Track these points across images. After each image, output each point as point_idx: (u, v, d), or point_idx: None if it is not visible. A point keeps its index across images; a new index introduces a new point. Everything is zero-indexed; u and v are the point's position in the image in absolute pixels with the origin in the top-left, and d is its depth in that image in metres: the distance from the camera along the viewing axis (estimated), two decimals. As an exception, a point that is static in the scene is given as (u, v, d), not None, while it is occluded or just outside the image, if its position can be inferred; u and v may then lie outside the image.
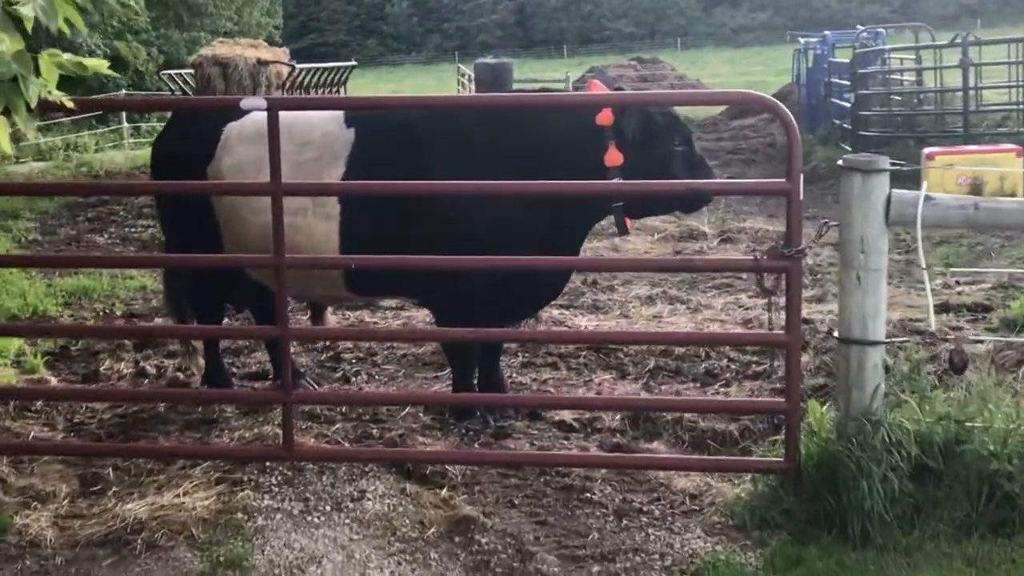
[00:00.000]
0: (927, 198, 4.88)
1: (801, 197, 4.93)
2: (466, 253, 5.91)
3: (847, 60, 21.36)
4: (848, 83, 20.69)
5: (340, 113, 6.33)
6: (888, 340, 5.04)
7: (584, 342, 7.47)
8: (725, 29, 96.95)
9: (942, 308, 9.00)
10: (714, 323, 8.88)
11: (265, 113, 5.49)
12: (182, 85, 20.60)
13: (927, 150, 15.94)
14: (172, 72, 21.94)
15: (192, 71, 19.85)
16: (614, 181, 5.79)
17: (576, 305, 9.50)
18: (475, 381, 6.63)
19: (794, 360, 4.98)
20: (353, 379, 7.44)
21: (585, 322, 8.98)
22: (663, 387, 7.14)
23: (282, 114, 6.25)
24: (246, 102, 5.06)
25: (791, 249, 4.91)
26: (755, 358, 7.72)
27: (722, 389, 7.03)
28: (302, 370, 7.39)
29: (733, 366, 7.53)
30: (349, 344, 8.23)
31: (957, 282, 10.18)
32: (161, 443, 6.03)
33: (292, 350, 7.58)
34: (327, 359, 7.95)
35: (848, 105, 20.41)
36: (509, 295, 6.25)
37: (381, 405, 6.17)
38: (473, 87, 28.32)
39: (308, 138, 6.25)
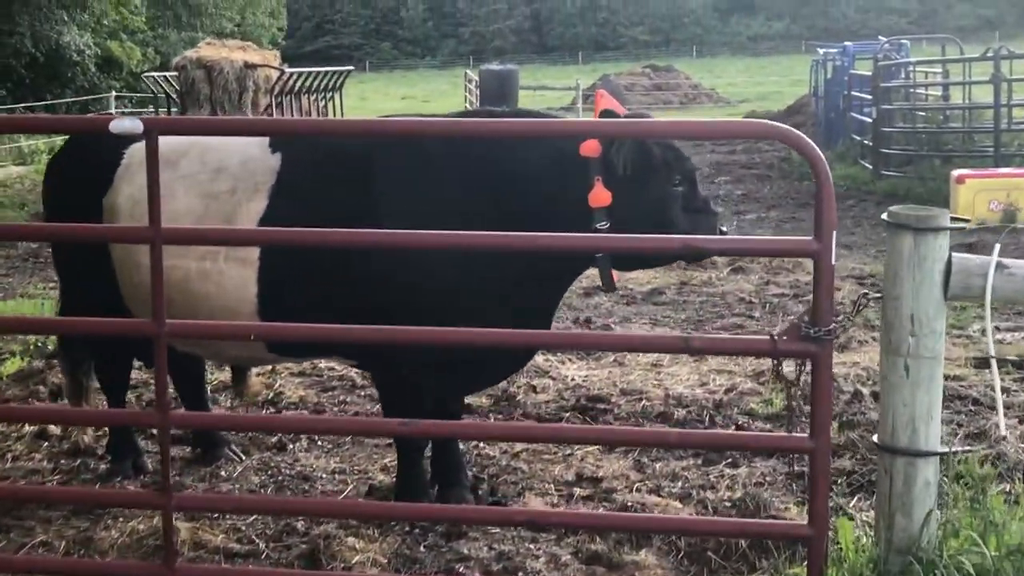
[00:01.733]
0: (1000, 266, 3.72)
1: (834, 260, 3.77)
2: (415, 309, 4.85)
3: (868, 72, 20.17)
4: (869, 96, 19.51)
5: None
6: (945, 451, 3.88)
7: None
8: (741, 37, 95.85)
9: (981, 363, 7.85)
10: (721, 374, 7.71)
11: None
12: (166, 88, 19.50)
13: (956, 172, 14.77)
14: (155, 75, 20.80)
15: (176, 74, 18.74)
16: (593, 235, 4.61)
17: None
18: (427, 456, 5.50)
19: (821, 473, 3.80)
20: (290, 446, 6.29)
21: (573, 371, 7.81)
22: (657, 465, 5.96)
23: (196, 136, 5.20)
24: (116, 124, 3.90)
25: (819, 328, 3.74)
26: (769, 425, 6.57)
27: (728, 470, 5.86)
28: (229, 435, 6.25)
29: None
30: (293, 398, 7.07)
31: (997, 328, 8.99)
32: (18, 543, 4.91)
33: (220, 406, 6.46)
34: (265, 416, 6.80)
35: (869, 120, 19.22)
36: (468, 360, 5.11)
37: (289, 515, 4.97)
38: (478, 94, 27.17)
39: (223, 164, 5.11)
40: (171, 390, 6.71)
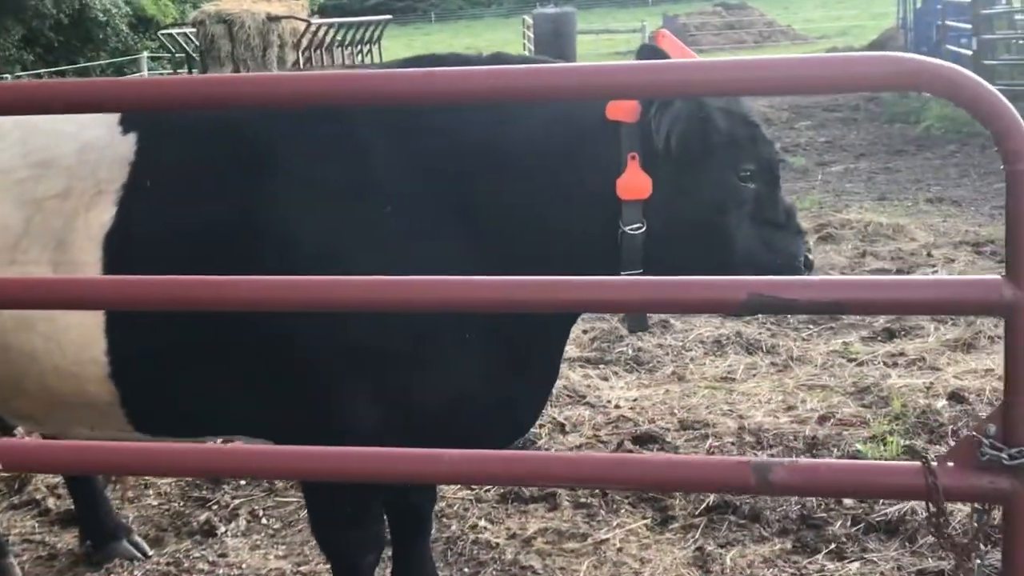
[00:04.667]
0: None
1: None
2: (353, 365, 3.17)
3: (966, -1, 18.01)
4: (967, 26, 17.35)
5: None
6: None
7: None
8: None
9: None
10: (812, 392, 5.90)
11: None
12: (185, 46, 17.88)
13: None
14: (173, 31, 19.16)
15: (194, 29, 17.11)
16: (590, 282, 2.77)
17: (608, 360, 6.53)
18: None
19: None
20: (221, 529, 4.60)
21: (619, 391, 6.04)
22: (728, 555, 4.19)
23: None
24: None
25: (1020, 451, 1.95)
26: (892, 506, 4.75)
27: (830, 565, 4.07)
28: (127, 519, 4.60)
29: (854, 515, 4.53)
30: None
31: None
32: None
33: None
34: (203, 482, 5.10)
35: (968, 53, 17.07)
36: (433, 430, 3.36)
37: None
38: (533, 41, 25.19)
39: (51, 153, 3.37)
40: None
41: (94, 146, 3.35)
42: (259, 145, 3.25)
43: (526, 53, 25.54)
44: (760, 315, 7.36)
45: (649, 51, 3.19)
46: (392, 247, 3.15)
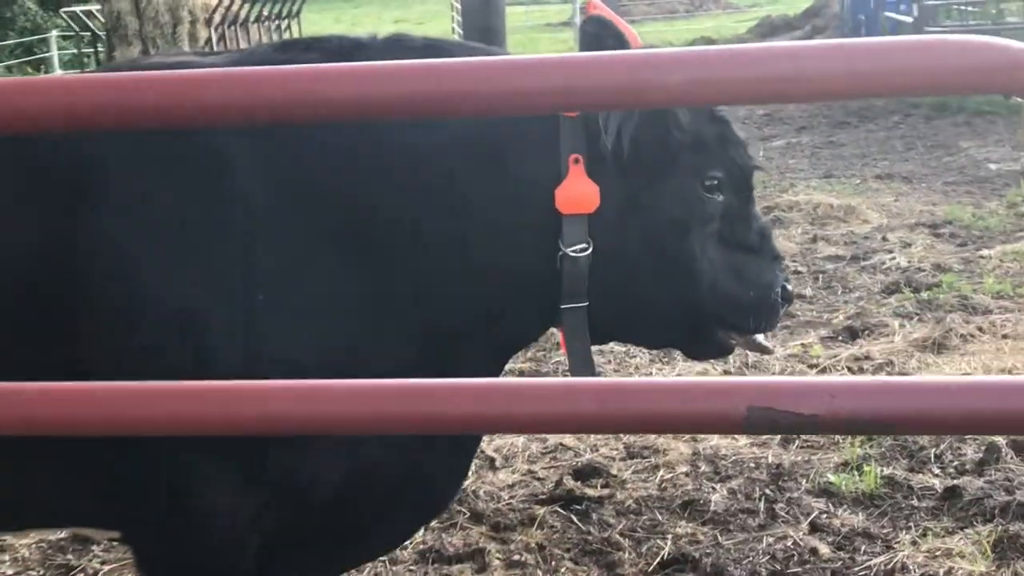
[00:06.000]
0: None
1: None
2: (215, 444, 2.46)
3: (904, -38, 17.49)
4: (907, -9, 16.87)
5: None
6: None
7: None
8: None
9: None
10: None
11: None
12: (91, 25, 16.89)
13: None
14: (76, 9, 18.11)
15: (99, 6, 16.11)
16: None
17: (545, 371, 5.85)
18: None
19: None
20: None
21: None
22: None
23: None
24: None
25: None
26: (860, 516, 4.12)
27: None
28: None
29: (833, 569, 3.87)
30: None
31: None
32: None
33: None
34: (68, 544, 4.33)
35: (908, 20, 16.54)
36: (333, 511, 2.65)
37: None
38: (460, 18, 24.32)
39: None
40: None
41: None
42: (81, 159, 2.50)
43: (454, 26, 24.67)
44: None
45: (595, 29, 2.52)
46: (259, 290, 2.43)
